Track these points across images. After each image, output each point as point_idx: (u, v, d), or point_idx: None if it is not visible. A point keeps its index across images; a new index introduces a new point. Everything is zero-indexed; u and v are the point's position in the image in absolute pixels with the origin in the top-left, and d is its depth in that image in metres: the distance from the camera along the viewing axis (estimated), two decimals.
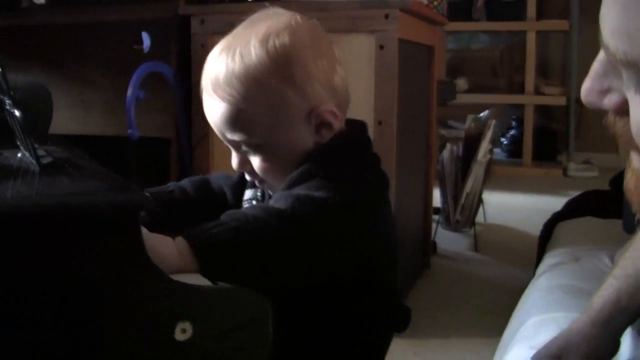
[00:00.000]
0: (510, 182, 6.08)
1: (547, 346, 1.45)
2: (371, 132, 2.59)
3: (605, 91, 0.80)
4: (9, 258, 0.94)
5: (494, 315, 2.94)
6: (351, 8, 2.70)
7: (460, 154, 4.22)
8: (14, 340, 0.96)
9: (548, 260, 2.45)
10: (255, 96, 1.26)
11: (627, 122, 0.77)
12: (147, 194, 1.04)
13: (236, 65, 1.26)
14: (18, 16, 3.19)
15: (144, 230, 1.19)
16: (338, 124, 1.32)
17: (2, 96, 1.23)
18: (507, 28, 6.72)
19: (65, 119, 3.35)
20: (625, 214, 2.37)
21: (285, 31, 1.29)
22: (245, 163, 1.34)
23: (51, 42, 3.39)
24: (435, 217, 4.26)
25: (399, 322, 1.41)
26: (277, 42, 1.27)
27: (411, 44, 2.99)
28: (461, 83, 6.48)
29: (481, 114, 4.39)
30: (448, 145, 4.28)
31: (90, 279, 0.98)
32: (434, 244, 3.99)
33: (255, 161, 1.32)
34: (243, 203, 1.46)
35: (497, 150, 7.16)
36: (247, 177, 1.39)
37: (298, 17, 1.35)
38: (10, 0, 3.15)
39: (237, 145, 1.32)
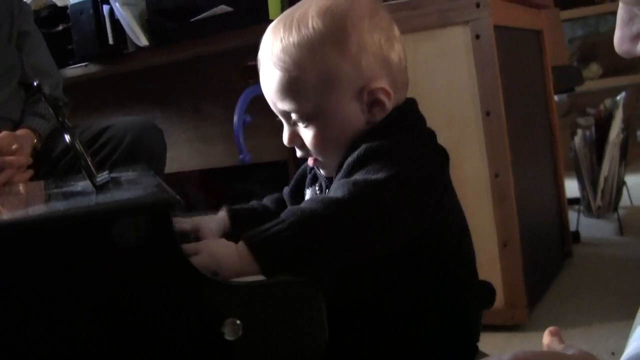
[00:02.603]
0: None
1: None
2: (480, 123, 2.59)
3: (636, 37, 0.77)
4: (46, 263, 0.97)
5: (638, 296, 2.81)
6: (441, 1, 2.65)
7: (594, 138, 4.09)
8: (56, 342, 0.97)
9: None
10: (308, 64, 1.26)
11: None
12: (177, 197, 1.03)
13: (292, 33, 1.27)
14: (125, 61, 3.27)
15: (208, 238, 1.20)
16: (390, 104, 1.30)
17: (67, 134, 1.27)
18: None
19: (186, 155, 3.42)
20: None
21: (345, 4, 1.29)
22: (295, 137, 1.33)
23: (162, 81, 3.48)
24: (576, 206, 4.15)
25: (482, 298, 1.37)
26: (334, 13, 1.27)
27: (512, 30, 2.92)
28: (594, 68, 6.30)
29: (618, 97, 4.25)
30: (579, 131, 4.16)
31: (129, 282, 0.98)
32: (577, 233, 3.87)
33: (306, 135, 1.31)
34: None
35: None
36: (298, 153, 1.37)
37: None
38: (115, 47, 3.22)
39: (287, 116, 1.31)
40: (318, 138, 1.30)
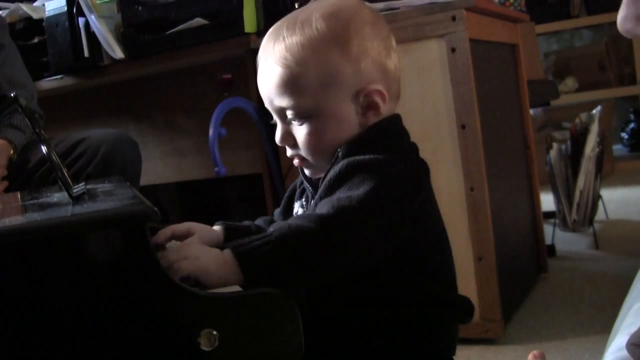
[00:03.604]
0: (634, 177, 5.87)
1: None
2: (455, 136, 2.59)
3: None
4: (22, 273, 0.96)
5: (612, 310, 2.82)
6: (417, 15, 2.66)
7: (569, 152, 4.11)
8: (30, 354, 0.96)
9: None
10: (310, 62, 1.29)
11: None
12: (154, 208, 1.02)
13: (296, 33, 1.31)
14: (100, 74, 3.25)
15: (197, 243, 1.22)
16: (385, 108, 1.33)
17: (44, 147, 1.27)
18: (608, 20, 6.48)
19: (161, 168, 3.41)
20: None
21: (348, 10, 1.33)
22: (288, 136, 1.36)
23: (137, 95, 3.46)
24: (552, 220, 4.16)
25: (460, 312, 1.38)
26: (339, 17, 1.31)
27: (487, 43, 2.93)
28: (570, 83, 6.35)
29: (593, 111, 4.27)
30: (555, 145, 4.17)
31: (105, 293, 0.98)
32: (553, 247, 3.87)
33: (300, 133, 1.33)
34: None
35: (618, 146, 6.98)
36: (288, 152, 1.39)
37: (364, 3, 1.39)
38: (91, 59, 3.21)
39: (283, 114, 1.34)
40: (311, 136, 1.32)
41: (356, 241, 1.18)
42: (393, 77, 1.36)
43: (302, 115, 1.32)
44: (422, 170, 1.34)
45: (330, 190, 1.25)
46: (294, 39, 1.31)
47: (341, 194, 1.20)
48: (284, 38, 1.32)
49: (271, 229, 1.16)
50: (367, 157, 1.25)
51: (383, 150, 1.28)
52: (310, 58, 1.29)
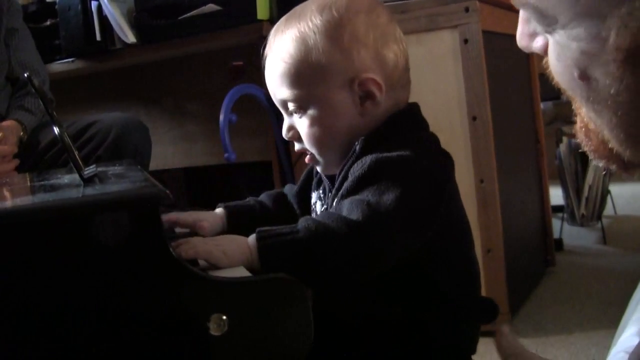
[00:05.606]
0: None
1: None
2: (466, 128, 2.59)
3: (533, 35, 0.84)
4: (32, 255, 0.96)
5: (619, 305, 2.82)
6: (430, 5, 2.66)
7: (579, 147, 4.09)
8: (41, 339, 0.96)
9: None
10: (302, 54, 1.30)
11: None
12: (167, 191, 1.02)
13: (292, 26, 1.33)
14: (113, 57, 3.25)
15: (207, 233, 1.22)
16: (382, 98, 1.32)
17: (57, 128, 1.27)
18: None
19: (170, 154, 3.41)
20: None
21: (344, 0, 1.34)
22: (291, 128, 1.37)
23: (147, 79, 3.46)
24: (560, 214, 4.16)
25: (483, 312, 1.38)
26: (332, 9, 1.32)
27: (500, 36, 2.92)
28: None
29: None
30: (564, 139, 4.16)
31: (116, 275, 0.98)
32: (560, 241, 3.87)
33: (301, 126, 1.34)
34: (312, 206, 1.47)
35: None
36: (296, 147, 1.40)
37: None
38: (103, 43, 3.21)
39: (285, 106, 1.35)
40: (311, 127, 1.32)
41: (384, 249, 1.17)
42: (394, 67, 1.34)
43: (300, 107, 1.33)
44: (448, 163, 1.32)
45: (357, 187, 1.23)
46: (289, 33, 1.33)
47: (370, 197, 1.18)
48: (282, 32, 1.34)
49: (299, 226, 1.14)
50: (394, 154, 1.23)
51: (404, 145, 1.26)
52: (303, 50, 1.30)
